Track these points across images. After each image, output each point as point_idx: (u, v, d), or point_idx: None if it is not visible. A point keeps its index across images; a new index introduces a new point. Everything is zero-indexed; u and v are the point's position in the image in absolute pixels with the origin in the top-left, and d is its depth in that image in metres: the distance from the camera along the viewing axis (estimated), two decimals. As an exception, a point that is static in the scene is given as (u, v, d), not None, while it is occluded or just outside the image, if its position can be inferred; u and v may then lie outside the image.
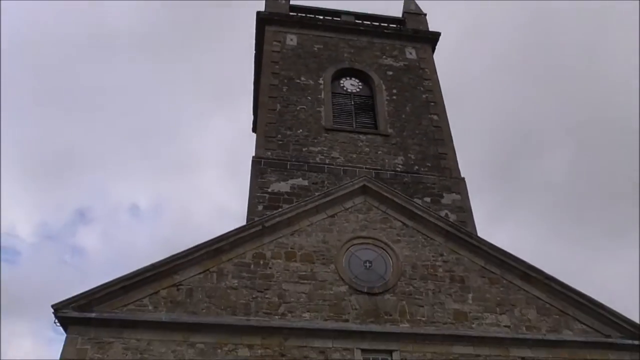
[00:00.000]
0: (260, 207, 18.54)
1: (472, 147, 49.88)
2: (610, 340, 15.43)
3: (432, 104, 22.94)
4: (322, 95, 22.18)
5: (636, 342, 15.42)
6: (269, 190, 19.30)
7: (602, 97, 51.98)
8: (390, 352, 14.46)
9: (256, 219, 17.04)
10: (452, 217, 19.03)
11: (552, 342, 15.13)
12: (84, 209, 66.38)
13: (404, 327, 14.88)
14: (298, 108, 21.58)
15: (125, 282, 14.39)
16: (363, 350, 14.36)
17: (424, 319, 15.16)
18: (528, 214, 54.27)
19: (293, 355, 14.02)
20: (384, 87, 23.09)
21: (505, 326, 15.35)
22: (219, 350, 13.85)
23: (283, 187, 19.46)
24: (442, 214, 18.68)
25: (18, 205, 55.32)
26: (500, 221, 52.65)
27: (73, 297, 13.89)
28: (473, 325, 15.22)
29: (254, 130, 27.23)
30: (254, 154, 19.94)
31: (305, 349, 14.16)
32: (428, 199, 19.68)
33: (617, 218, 53.41)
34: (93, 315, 13.82)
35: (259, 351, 13.98)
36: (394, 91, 23.06)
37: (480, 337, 14.89)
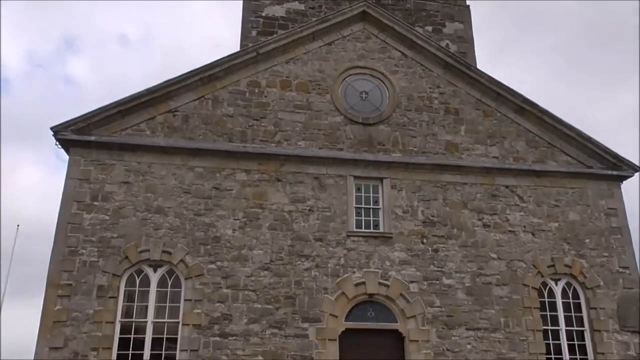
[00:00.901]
0: (254, 33, 17.89)
1: (479, -26, 46.51)
2: (591, 170, 16.17)
3: None
4: None
5: (614, 172, 16.19)
6: (263, 14, 18.43)
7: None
8: (381, 179, 15.17)
9: (250, 45, 16.54)
10: (453, 48, 18.55)
11: (536, 172, 15.84)
12: (71, 38, 63.86)
13: (396, 156, 15.39)
14: None
15: (122, 107, 14.43)
16: (355, 177, 15.04)
17: (415, 149, 15.62)
18: (530, 56, 52.95)
19: (288, 180, 14.70)
20: None
21: (493, 157, 15.92)
22: (218, 174, 14.45)
23: (278, 11, 18.56)
24: (443, 44, 18.16)
25: (3, 29, 52.87)
26: (501, 58, 51.53)
27: (72, 120, 14.03)
28: (463, 156, 15.77)
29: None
30: (246, -26, 18.58)
31: (300, 174, 14.80)
32: (429, 28, 18.98)
33: (616, 65, 52.50)
34: (92, 138, 14.10)
35: (256, 175, 14.61)
36: None
37: (469, 167, 15.52)
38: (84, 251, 13.32)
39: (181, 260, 13.58)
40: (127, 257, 13.40)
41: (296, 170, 14.81)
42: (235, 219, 14.14)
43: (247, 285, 13.63)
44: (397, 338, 13.99)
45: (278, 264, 13.93)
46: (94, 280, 13.12)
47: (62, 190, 13.82)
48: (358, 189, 15.14)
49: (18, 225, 18.76)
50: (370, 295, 14.10)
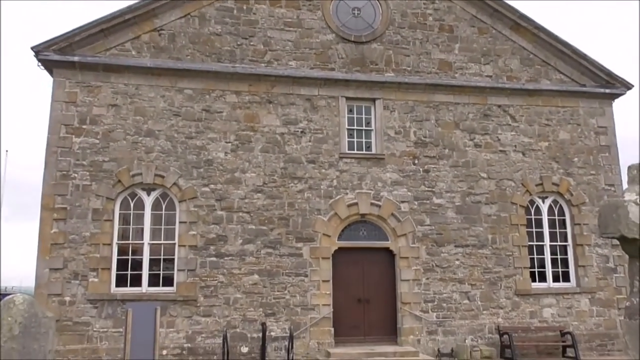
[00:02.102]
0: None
1: None
2: (584, 89, 16.08)
3: None
4: None
5: (607, 91, 16.14)
6: None
7: None
8: (373, 100, 14.99)
9: (237, -43, 15.62)
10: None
11: (529, 91, 15.73)
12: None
13: (389, 76, 15.11)
14: None
15: (105, 25, 13.81)
16: (347, 98, 14.84)
17: (408, 68, 15.32)
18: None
19: (280, 102, 14.47)
20: None
21: (487, 76, 15.71)
22: (207, 96, 14.17)
23: None
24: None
25: None
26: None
27: (52, 39, 13.46)
28: (456, 75, 15.53)
29: None
30: None
31: (291, 96, 14.55)
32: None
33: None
34: (76, 58, 13.60)
35: (247, 97, 14.35)
36: None
37: (462, 86, 15.34)
38: (76, 175, 13.27)
39: (174, 184, 13.62)
40: (119, 181, 13.40)
41: (287, 91, 14.54)
42: (227, 142, 14.05)
43: (241, 207, 13.80)
44: (389, 255, 14.46)
45: (271, 186, 14.04)
46: (88, 203, 13.19)
47: (49, 114, 13.53)
48: (350, 110, 15.00)
49: (7, 151, 18.53)
50: (363, 215, 14.39)
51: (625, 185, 3.27)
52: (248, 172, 13.99)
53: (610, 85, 16.21)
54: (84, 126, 13.52)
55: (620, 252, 15.46)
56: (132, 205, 13.59)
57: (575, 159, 15.79)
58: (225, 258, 13.52)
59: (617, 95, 16.33)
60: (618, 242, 3.63)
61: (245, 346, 13.10)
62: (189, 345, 12.95)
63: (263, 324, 13.15)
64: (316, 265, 13.87)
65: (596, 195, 15.68)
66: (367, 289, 14.25)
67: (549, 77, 16.12)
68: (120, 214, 13.51)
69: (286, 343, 12.91)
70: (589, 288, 15.10)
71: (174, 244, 13.50)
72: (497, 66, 15.82)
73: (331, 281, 13.88)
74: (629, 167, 3.42)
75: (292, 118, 14.45)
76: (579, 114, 16.09)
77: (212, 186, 13.78)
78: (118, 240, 13.35)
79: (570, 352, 14.21)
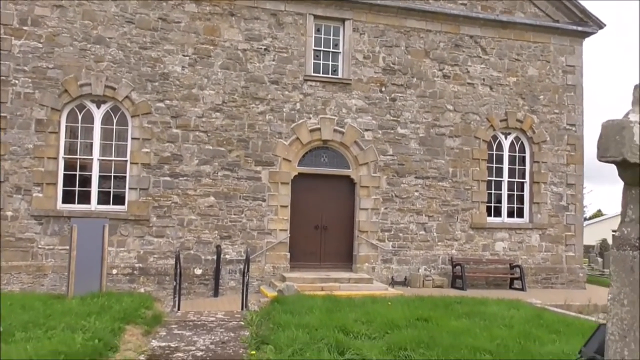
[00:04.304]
0: None
1: None
2: (557, 24, 15.72)
3: None
4: None
5: (579, 28, 15.84)
6: None
7: None
8: (342, 20, 14.19)
9: None
10: None
11: (503, 22, 15.25)
12: None
13: (361, -5, 14.27)
14: None
15: None
16: (316, 17, 13.98)
17: (382, -12, 14.48)
18: None
19: (243, 15, 13.50)
20: None
21: (461, 4, 15.08)
22: (164, 3, 13.04)
23: None
24: None
25: None
26: None
27: None
28: (430, 0, 14.82)
29: None
30: None
31: (256, 10, 13.59)
32: None
33: None
34: (15, -49, 12.13)
35: (207, 8, 13.30)
36: None
37: (435, 12, 14.69)
38: (17, 81, 12.18)
39: (127, 97, 12.73)
40: (66, 91, 12.40)
41: (252, 4, 13.55)
42: (184, 55, 13.12)
43: (198, 126, 13.12)
44: (349, 184, 14.24)
45: (231, 106, 13.34)
46: (31, 113, 12.21)
47: (-16, 11, 12.18)
48: (318, 30, 14.19)
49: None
50: (325, 141, 13.98)
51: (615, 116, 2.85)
52: (206, 89, 13.20)
53: (583, 23, 15.90)
54: (24, 27, 12.27)
55: (573, 191, 15.78)
56: (80, 117, 12.68)
57: (541, 97, 15.67)
58: (180, 178, 12.96)
59: (589, 34, 16.06)
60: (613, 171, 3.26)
61: (199, 268, 12.86)
62: (141, 265, 12.59)
63: (218, 247, 12.89)
64: (275, 190, 13.52)
65: (557, 134, 15.73)
66: (325, 216, 14.08)
67: (524, 9, 15.64)
68: (67, 126, 12.61)
69: (241, 266, 12.73)
70: (540, 224, 15.44)
71: (126, 161, 12.80)
72: (473, -7, 15.18)
73: (289, 207, 13.62)
74: (635, 87, 3.02)
75: (256, 34, 13.57)
76: (549, 50, 15.81)
77: (167, 102, 12.96)
78: (65, 154, 12.53)
79: (517, 284, 14.71)
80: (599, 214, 48.77)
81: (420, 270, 14.35)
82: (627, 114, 2.99)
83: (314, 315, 7.71)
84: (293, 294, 10.13)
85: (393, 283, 13.89)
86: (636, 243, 2.82)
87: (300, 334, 6.57)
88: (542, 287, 15.13)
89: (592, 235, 29.34)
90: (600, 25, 15.95)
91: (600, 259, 23.61)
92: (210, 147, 13.17)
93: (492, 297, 10.26)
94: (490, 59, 15.28)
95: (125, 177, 12.79)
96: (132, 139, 12.81)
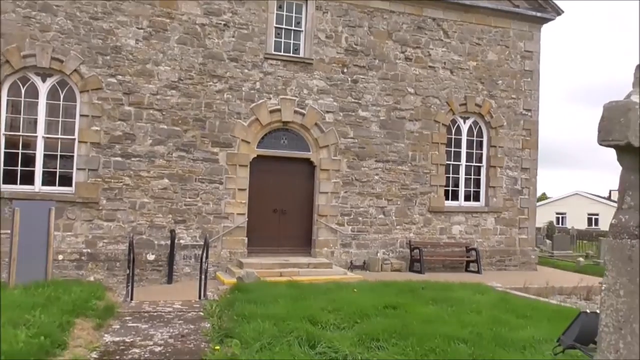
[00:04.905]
0: None
1: None
2: (517, 9, 15.79)
3: None
4: None
5: (538, 14, 15.98)
6: None
7: None
8: (306, 0, 13.75)
9: None
10: None
11: (465, 6, 15.16)
12: None
13: (324, -28, 13.82)
14: None
15: None
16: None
17: (346, -34, 14.07)
18: None
19: (201, -12, 12.83)
20: None
21: (425, -15, 14.88)
22: (116, -29, 12.20)
23: None
24: None
25: None
26: None
27: None
28: (394, -20, 14.54)
29: None
30: None
31: (215, -18, 12.93)
32: None
33: None
34: None
35: (163, -22, 12.54)
36: None
37: (399, -7, 14.44)
38: (-49, 51, 11.17)
39: (75, 70, 11.91)
40: (7, 62, 11.48)
41: (210, -24, 12.89)
42: (139, 28, 12.36)
43: (152, 104, 12.46)
44: (309, 167, 13.96)
45: (187, 83, 12.73)
46: (-33, 86, 11.25)
47: None
48: (280, 7, 13.68)
49: None
50: (285, 123, 13.60)
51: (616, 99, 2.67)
52: (162, 65, 12.52)
53: (542, 9, 16.05)
54: (-41, -9, 11.23)
55: (527, 175, 16.09)
56: (23, 91, 11.79)
57: (500, 82, 15.78)
58: (132, 159, 12.32)
59: (547, 20, 16.24)
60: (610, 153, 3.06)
61: (152, 254, 12.34)
62: (89, 250, 11.95)
63: (172, 231, 12.40)
64: (232, 172, 13.08)
65: (514, 119, 15.93)
66: (284, 199, 13.78)
67: (485, -7, 15.61)
68: (8, 100, 11.70)
69: (196, 252, 12.31)
70: (495, 208, 15.69)
71: (74, 139, 12.04)
72: (437, -25, 14.99)
73: (247, 190, 13.23)
74: (637, 66, 2.84)
75: (215, 8, 12.93)
76: (509, 35, 15.89)
77: (119, 77, 12.22)
78: (6, 131, 11.65)
79: (473, 267, 14.95)
80: (543, 197, 50.58)
81: (378, 254, 14.32)
82: (629, 95, 2.82)
83: (280, 305, 7.43)
84: (254, 281, 9.83)
85: (352, 267, 13.81)
86: (635, 231, 2.67)
87: (267, 326, 6.29)
88: (497, 269, 15.43)
89: (539, 217, 30.32)
90: (558, 11, 16.14)
91: (548, 241, 24.39)
92: (165, 127, 12.55)
93: (450, 280, 10.29)
94: (452, 43, 15.20)
95: (72, 156, 12.04)
96: (81, 115, 12.04)
